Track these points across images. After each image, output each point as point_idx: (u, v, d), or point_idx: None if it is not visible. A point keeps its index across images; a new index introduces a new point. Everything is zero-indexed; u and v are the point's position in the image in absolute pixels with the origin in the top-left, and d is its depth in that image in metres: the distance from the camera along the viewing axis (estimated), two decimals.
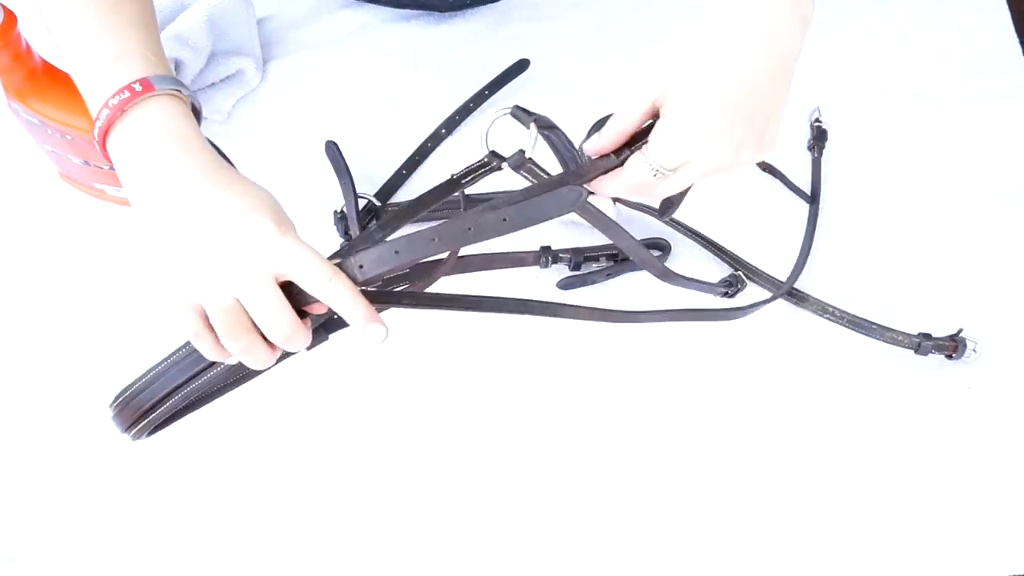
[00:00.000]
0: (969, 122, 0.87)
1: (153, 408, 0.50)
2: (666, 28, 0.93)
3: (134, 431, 0.51)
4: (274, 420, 0.68)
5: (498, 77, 0.87)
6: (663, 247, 0.77)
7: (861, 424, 0.70)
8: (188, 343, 0.48)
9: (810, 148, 0.85)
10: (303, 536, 0.64)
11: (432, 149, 0.83)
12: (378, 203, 0.76)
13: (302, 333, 0.45)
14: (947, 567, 0.64)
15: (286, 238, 0.44)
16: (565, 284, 0.75)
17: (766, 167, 0.83)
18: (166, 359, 0.50)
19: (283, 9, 0.90)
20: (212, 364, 0.49)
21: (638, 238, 0.73)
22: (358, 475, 0.66)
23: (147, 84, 0.46)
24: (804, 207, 0.81)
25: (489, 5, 0.92)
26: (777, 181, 0.82)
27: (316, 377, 0.69)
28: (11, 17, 0.60)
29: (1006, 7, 0.96)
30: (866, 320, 0.72)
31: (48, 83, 0.65)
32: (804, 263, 0.76)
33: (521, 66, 0.88)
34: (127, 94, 0.46)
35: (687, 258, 0.78)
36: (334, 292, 0.44)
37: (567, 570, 0.63)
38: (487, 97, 0.86)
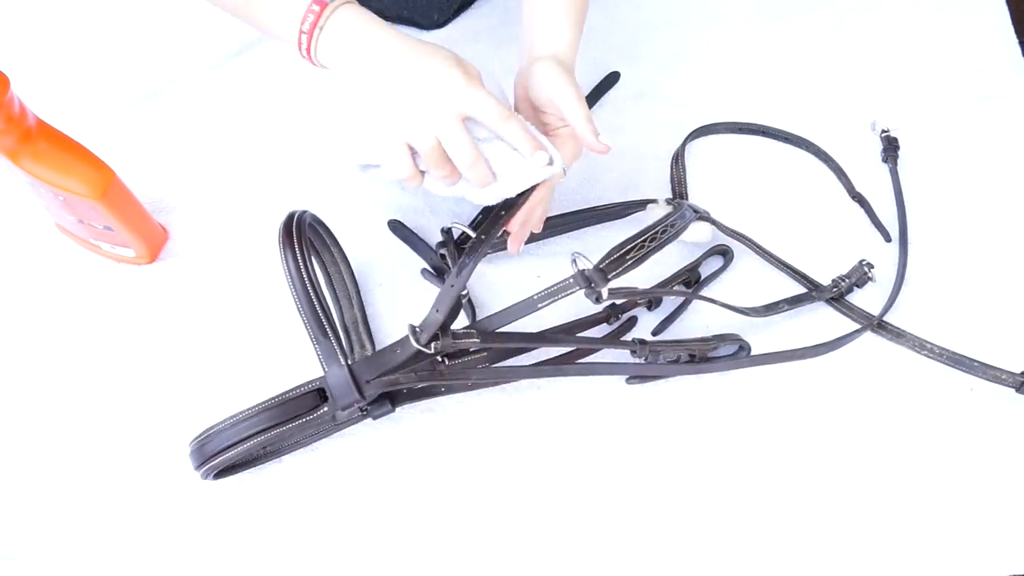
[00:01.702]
0: (969, 121, 0.87)
1: (219, 454, 0.60)
2: (666, 28, 0.94)
3: (203, 469, 0.61)
4: None
5: (593, 90, 0.88)
6: (725, 252, 0.77)
7: (874, 431, 0.70)
8: (260, 404, 0.61)
9: (884, 160, 0.84)
10: (298, 543, 0.64)
11: None
12: (472, 233, 0.71)
13: (481, 163, 0.59)
14: (948, 567, 0.65)
15: (471, 86, 0.58)
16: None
17: (857, 197, 0.82)
18: (240, 413, 0.61)
19: None
20: (273, 426, 0.60)
21: (704, 251, 0.77)
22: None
23: (321, 3, 0.59)
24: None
25: (487, 6, 0.93)
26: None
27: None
28: (3, 80, 0.58)
29: (1006, 7, 0.96)
30: (967, 357, 0.71)
31: (43, 143, 0.63)
32: (897, 294, 0.76)
33: (612, 79, 0.89)
34: (311, 17, 0.59)
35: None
36: (508, 128, 0.59)
37: None
38: None
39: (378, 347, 0.70)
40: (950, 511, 0.67)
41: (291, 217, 0.66)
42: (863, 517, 0.66)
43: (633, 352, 0.69)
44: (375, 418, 0.67)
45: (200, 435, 0.62)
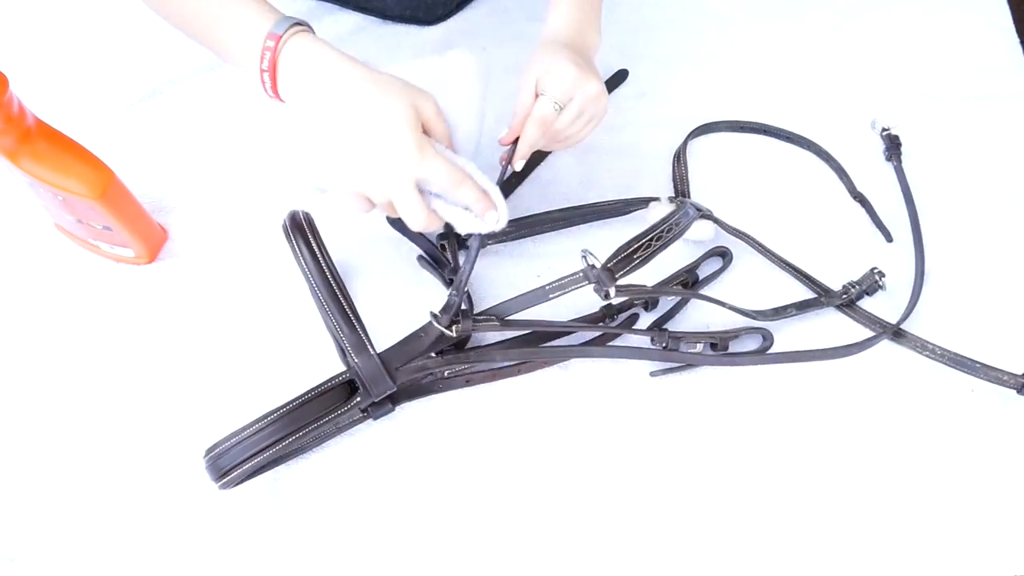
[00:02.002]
0: (969, 121, 0.87)
1: (237, 467, 0.60)
2: (666, 28, 0.94)
3: (222, 483, 0.60)
4: None
5: None
6: (724, 253, 0.77)
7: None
8: (285, 404, 0.61)
9: (888, 159, 0.84)
10: (303, 544, 0.64)
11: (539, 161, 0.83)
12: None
13: (434, 222, 0.62)
14: (949, 568, 0.65)
15: (426, 157, 0.59)
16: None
17: (858, 197, 0.82)
18: (253, 424, 0.60)
19: (283, 9, 0.90)
20: (290, 434, 0.61)
21: (703, 252, 0.77)
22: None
23: (275, 37, 0.59)
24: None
25: (488, 4, 0.93)
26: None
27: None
28: (3, 80, 0.57)
29: (1006, 7, 0.96)
30: (968, 358, 0.71)
31: (42, 143, 0.63)
32: (917, 300, 0.75)
33: (621, 76, 0.89)
34: (268, 54, 0.60)
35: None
36: (461, 193, 0.61)
37: None
38: None
39: (373, 339, 0.70)
40: (950, 512, 0.66)
41: (294, 213, 0.66)
42: (863, 517, 0.66)
43: (653, 340, 0.70)
44: (376, 418, 0.66)
45: (220, 445, 0.61)
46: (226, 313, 0.72)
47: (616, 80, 0.89)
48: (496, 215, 0.63)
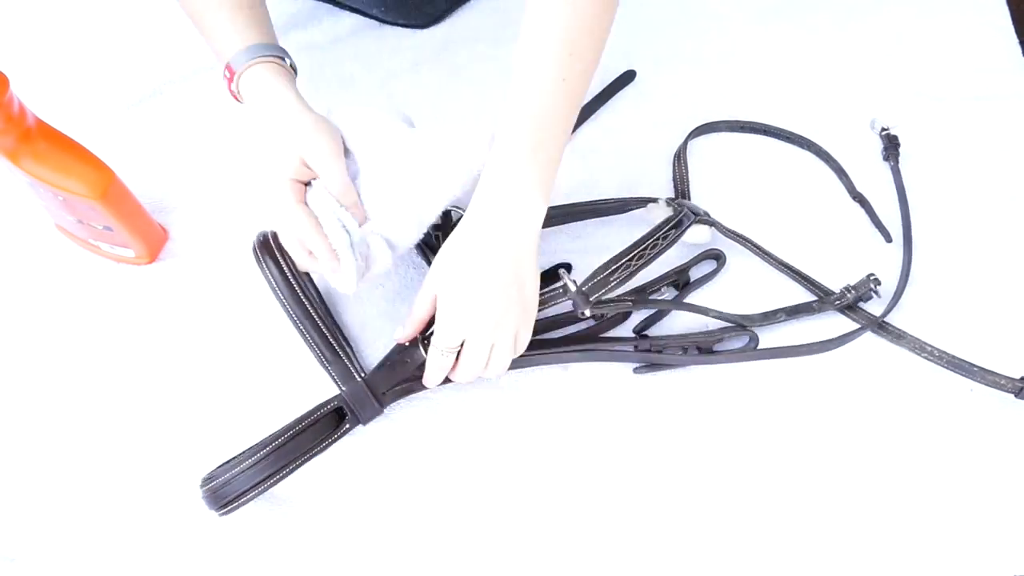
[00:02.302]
0: (968, 121, 0.87)
1: (237, 499, 0.60)
2: (665, 30, 0.94)
3: (221, 512, 0.61)
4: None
5: (605, 89, 0.87)
6: (718, 256, 0.77)
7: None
8: (275, 437, 0.61)
9: (885, 158, 0.84)
10: (302, 544, 0.64)
11: None
12: None
13: (303, 260, 0.64)
14: (947, 569, 0.65)
15: (283, 206, 0.63)
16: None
17: (858, 197, 0.82)
18: (256, 453, 0.60)
19: (283, 9, 0.90)
20: (287, 464, 0.61)
21: (695, 254, 0.76)
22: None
23: (231, 70, 0.65)
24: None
25: (488, 5, 0.93)
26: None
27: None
28: (3, 80, 0.57)
29: (1006, 7, 0.96)
30: (966, 361, 0.71)
31: (43, 143, 0.63)
32: (900, 295, 0.75)
33: (627, 77, 0.89)
34: (228, 74, 0.66)
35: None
36: (310, 245, 0.63)
37: None
38: (595, 109, 0.86)
39: (359, 351, 0.71)
40: (949, 513, 0.67)
41: (263, 235, 0.67)
42: (862, 518, 0.66)
43: (636, 348, 0.70)
44: (365, 423, 0.66)
45: (214, 482, 0.60)
46: (227, 314, 0.72)
47: (622, 81, 0.89)
48: (340, 279, 0.63)
